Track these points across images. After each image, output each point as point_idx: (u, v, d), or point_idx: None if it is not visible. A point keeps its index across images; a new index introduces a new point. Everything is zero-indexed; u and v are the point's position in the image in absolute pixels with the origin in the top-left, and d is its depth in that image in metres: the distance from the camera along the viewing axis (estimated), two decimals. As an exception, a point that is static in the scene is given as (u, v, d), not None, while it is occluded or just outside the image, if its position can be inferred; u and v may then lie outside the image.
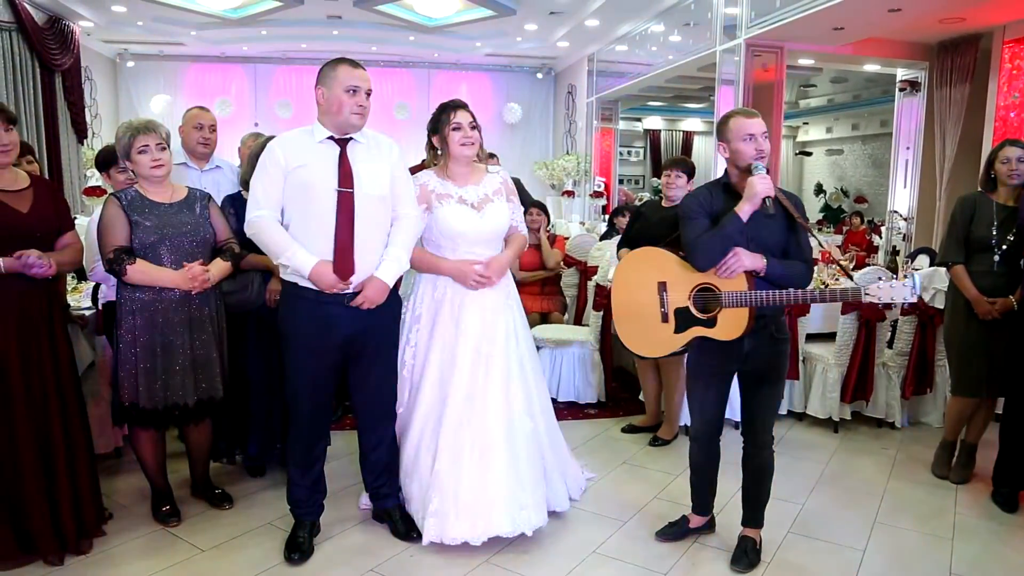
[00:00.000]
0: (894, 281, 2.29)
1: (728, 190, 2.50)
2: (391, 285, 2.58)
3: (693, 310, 2.47)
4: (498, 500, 2.63)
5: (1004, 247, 3.15)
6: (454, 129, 2.74)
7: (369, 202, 2.51)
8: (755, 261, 2.38)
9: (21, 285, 2.40)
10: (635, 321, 2.60)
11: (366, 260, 2.51)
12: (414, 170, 2.90)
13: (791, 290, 2.37)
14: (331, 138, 2.52)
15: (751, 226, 2.38)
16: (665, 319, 2.51)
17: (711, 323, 2.45)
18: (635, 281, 2.58)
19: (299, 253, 2.44)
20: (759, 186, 2.34)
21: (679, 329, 2.50)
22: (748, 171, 2.41)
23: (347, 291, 2.49)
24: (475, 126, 2.78)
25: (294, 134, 2.57)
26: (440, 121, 2.77)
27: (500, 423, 2.70)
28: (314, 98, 2.52)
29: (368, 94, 2.51)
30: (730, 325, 2.42)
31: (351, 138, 2.54)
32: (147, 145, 2.63)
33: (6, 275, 2.36)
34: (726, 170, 2.53)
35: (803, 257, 2.48)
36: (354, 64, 2.51)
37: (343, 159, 2.50)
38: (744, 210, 2.36)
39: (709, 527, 2.85)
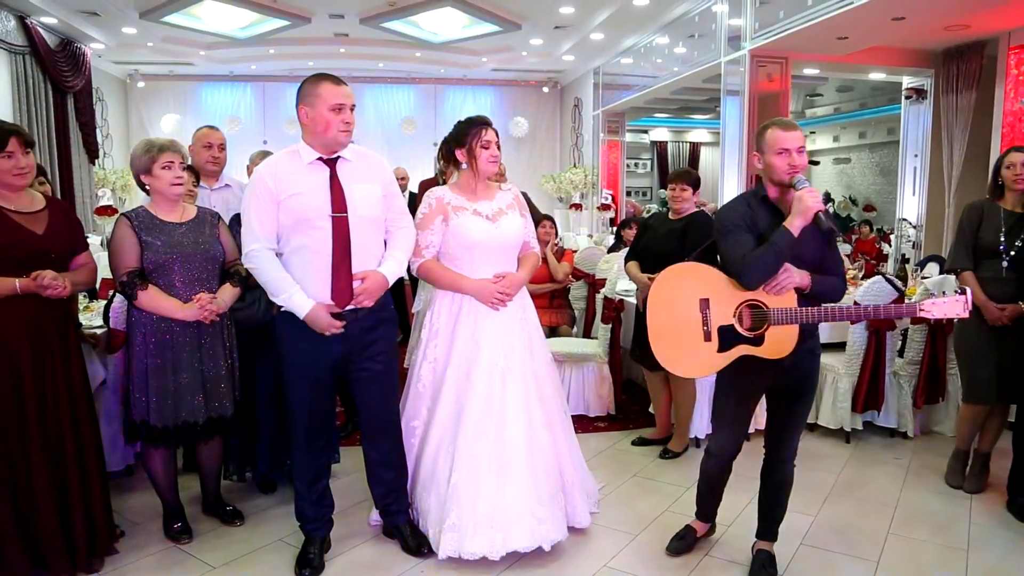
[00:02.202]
0: (947, 297, 2.28)
1: (767, 203, 2.43)
2: (391, 282, 2.58)
3: (739, 328, 2.38)
4: (517, 514, 2.62)
5: (1012, 253, 3.14)
6: (483, 147, 2.76)
7: (363, 224, 2.50)
8: (803, 278, 2.34)
9: (36, 305, 2.43)
10: (674, 341, 2.44)
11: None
12: (427, 184, 2.91)
13: (845, 306, 2.30)
14: (319, 159, 2.49)
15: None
16: (708, 338, 2.39)
17: (758, 341, 2.36)
18: (674, 299, 2.43)
19: (295, 295, 2.43)
20: (810, 200, 2.27)
21: (723, 348, 2.39)
22: (786, 185, 2.37)
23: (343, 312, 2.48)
24: (499, 146, 2.82)
25: (280, 158, 2.52)
26: (469, 135, 2.77)
27: (518, 436, 2.69)
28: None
29: (352, 109, 2.46)
30: (778, 343, 2.35)
31: (339, 157, 2.51)
32: (171, 162, 2.64)
33: (21, 295, 2.39)
34: (760, 182, 2.46)
35: (838, 272, 2.45)
36: (336, 81, 2.46)
37: (334, 182, 2.48)
38: (795, 225, 2.28)
39: (710, 531, 2.88)
